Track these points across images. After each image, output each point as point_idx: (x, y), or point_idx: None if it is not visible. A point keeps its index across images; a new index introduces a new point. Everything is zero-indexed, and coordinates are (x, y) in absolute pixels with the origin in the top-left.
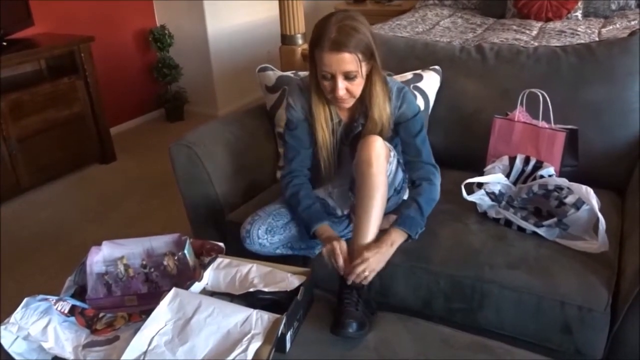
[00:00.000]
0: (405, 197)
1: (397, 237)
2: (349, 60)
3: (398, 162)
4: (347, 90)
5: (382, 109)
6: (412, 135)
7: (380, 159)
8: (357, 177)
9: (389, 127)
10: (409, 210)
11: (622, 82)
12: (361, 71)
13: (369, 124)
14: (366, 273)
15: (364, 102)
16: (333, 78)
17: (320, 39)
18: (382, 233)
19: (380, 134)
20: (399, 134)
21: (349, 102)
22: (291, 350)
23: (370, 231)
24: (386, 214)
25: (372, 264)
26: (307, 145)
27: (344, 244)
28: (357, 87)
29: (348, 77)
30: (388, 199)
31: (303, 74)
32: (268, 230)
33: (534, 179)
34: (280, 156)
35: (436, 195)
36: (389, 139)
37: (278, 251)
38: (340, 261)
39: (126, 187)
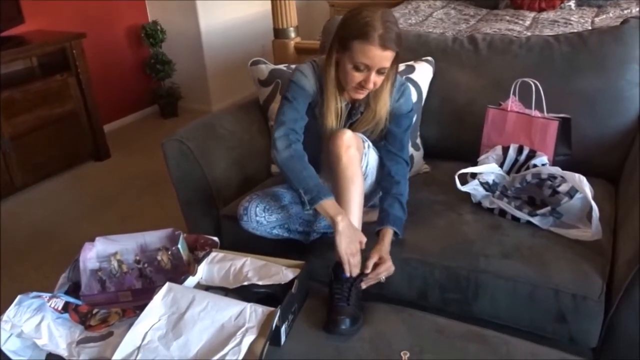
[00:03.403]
0: None
1: (390, 237)
2: (389, 58)
3: (377, 153)
4: (373, 84)
5: (384, 104)
6: (401, 129)
7: (351, 150)
8: (332, 174)
9: (387, 119)
10: (395, 210)
11: (615, 71)
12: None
13: (367, 113)
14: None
15: (368, 93)
16: (367, 70)
17: (366, 31)
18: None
19: (376, 126)
20: (389, 125)
21: (365, 94)
22: (286, 343)
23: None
24: (372, 206)
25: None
26: (305, 117)
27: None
28: (380, 81)
29: (379, 72)
30: (372, 192)
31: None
32: (266, 208)
33: (528, 168)
34: None
35: (408, 193)
36: (381, 132)
37: (275, 231)
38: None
39: (121, 184)
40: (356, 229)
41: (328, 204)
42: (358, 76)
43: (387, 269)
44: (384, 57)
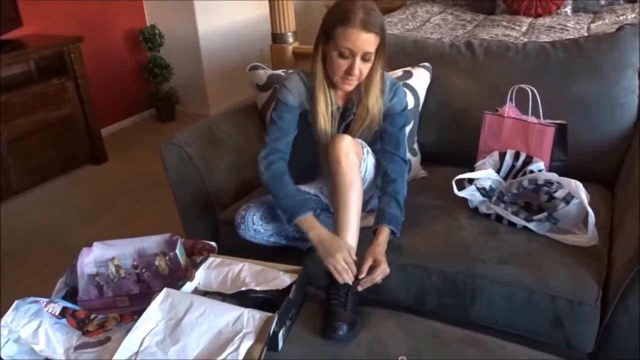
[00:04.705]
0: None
1: (386, 236)
2: (373, 42)
3: (374, 158)
4: (359, 71)
5: (376, 99)
6: (396, 128)
7: (350, 156)
8: (331, 178)
9: (380, 118)
10: (392, 208)
11: (610, 77)
12: (375, 55)
13: (360, 110)
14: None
15: (359, 89)
16: (351, 57)
17: (347, 17)
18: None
19: (370, 124)
20: (384, 124)
21: (354, 84)
22: (284, 348)
23: (351, 230)
24: (370, 211)
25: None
26: (293, 130)
27: (353, 251)
28: (367, 70)
29: (364, 58)
30: (370, 197)
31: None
32: (263, 216)
33: (524, 174)
34: None
35: (406, 192)
36: (376, 132)
37: (272, 239)
38: (350, 274)
39: (118, 187)
40: (338, 238)
41: (304, 221)
42: (343, 63)
43: (383, 271)
44: (366, 40)
